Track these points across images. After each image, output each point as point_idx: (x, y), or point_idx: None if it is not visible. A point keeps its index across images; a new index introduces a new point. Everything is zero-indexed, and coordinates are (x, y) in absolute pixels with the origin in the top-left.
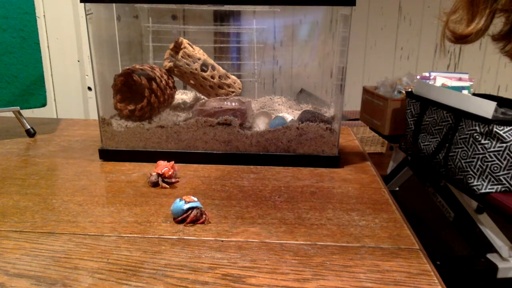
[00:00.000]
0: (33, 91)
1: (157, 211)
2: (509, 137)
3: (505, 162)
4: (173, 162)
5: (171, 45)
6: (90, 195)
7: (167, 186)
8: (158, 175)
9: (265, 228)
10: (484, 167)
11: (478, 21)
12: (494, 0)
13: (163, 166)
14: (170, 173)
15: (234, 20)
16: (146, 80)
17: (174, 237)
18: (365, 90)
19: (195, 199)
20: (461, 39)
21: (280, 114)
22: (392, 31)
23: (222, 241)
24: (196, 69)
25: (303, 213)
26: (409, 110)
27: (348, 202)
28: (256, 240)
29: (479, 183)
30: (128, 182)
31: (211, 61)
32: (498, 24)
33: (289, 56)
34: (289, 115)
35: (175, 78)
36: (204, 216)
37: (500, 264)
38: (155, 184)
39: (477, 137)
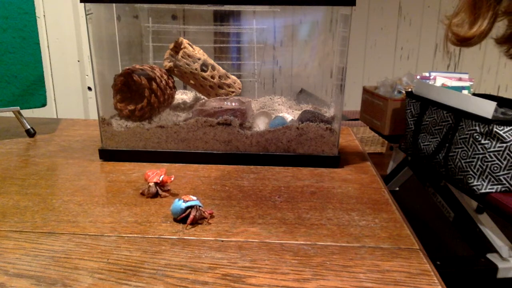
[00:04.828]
0: (33, 91)
1: (157, 211)
2: (509, 137)
3: (505, 162)
4: (164, 168)
5: (171, 45)
6: (90, 195)
7: (167, 194)
8: (156, 184)
9: (265, 228)
10: (484, 167)
11: (480, 23)
12: (496, 3)
13: (158, 175)
14: (172, 179)
15: (234, 20)
16: (146, 80)
17: (174, 237)
18: (365, 90)
19: (194, 198)
20: (464, 41)
21: (280, 114)
22: (392, 31)
23: (222, 241)
24: (196, 69)
25: (303, 213)
26: (409, 110)
27: (348, 202)
28: (256, 240)
29: (479, 183)
30: (128, 182)
31: (211, 61)
32: (501, 27)
33: (289, 56)
34: (289, 115)
35: (175, 78)
36: (205, 212)
37: (500, 264)
38: (154, 196)
39: (477, 137)
